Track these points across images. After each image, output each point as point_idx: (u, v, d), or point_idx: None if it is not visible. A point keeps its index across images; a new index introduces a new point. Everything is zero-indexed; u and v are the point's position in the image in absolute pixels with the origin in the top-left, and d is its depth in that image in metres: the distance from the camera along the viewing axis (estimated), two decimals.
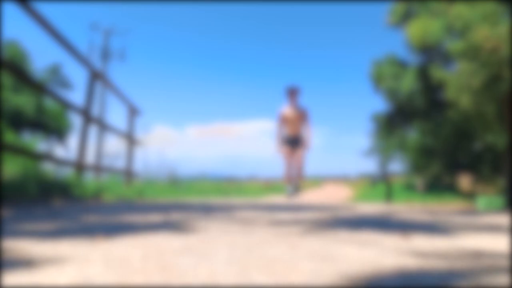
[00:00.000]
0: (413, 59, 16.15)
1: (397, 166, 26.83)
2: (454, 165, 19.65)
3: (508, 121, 11.22)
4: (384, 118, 17.41)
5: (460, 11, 10.40)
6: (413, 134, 19.37)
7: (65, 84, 21.37)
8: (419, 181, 22.36)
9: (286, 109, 5.94)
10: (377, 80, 16.11)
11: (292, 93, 5.98)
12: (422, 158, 20.00)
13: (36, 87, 3.97)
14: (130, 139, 6.61)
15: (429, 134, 17.44)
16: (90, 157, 11.71)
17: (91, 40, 26.31)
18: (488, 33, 9.34)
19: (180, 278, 0.73)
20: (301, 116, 5.98)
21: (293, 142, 5.87)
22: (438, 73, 12.19)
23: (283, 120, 5.94)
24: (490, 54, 9.44)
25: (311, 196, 14.75)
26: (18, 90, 16.46)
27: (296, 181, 5.83)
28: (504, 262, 0.95)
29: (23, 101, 16.63)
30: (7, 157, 3.61)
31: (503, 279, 0.77)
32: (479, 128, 13.27)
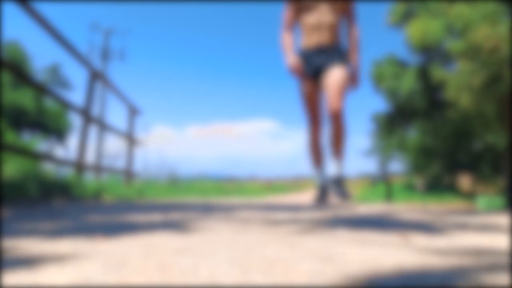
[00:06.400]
0: (413, 59, 16.18)
1: (397, 166, 26.83)
2: (454, 165, 19.65)
3: (508, 121, 11.23)
4: (384, 118, 17.43)
5: (460, 11, 10.41)
6: (413, 134, 19.40)
7: (65, 84, 21.37)
8: (419, 181, 22.36)
9: None
10: (377, 80, 16.13)
11: None
12: (422, 158, 20.01)
13: (37, 87, 3.97)
14: (130, 139, 6.61)
15: (429, 134, 17.47)
16: (90, 157, 11.71)
17: (91, 40, 26.39)
18: (488, 33, 9.35)
19: (180, 278, 0.73)
20: (339, 4, 2.98)
21: (320, 63, 2.94)
22: (438, 73, 12.19)
23: (300, 9, 3.03)
24: (490, 54, 9.45)
25: (310, 196, 14.76)
26: (17, 89, 16.45)
27: (334, 154, 2.81)
28: (504, 260, 0.95)
29: (22, 96, 16.63)
30: (7, 157, 3.60)
31: (504, 278, 0.77)
32: (479, 128, 13.27)
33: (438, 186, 20.70)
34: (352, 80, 3.03)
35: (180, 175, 10.01)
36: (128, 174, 6.43)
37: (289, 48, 3.08)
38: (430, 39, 12.19)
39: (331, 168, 2.84)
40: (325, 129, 3.06)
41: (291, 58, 3.00)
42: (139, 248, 1.04)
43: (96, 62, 22.88)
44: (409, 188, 23.28)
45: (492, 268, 0.87)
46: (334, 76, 2.84)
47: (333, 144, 2.83)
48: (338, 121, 2.79)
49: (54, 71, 21.13)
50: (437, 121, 15.96)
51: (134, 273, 0.76)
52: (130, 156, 6.59)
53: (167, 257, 0.92)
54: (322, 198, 3.07)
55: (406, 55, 16.34)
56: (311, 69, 3.00)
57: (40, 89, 3.98)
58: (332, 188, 2.76)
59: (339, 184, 2.74)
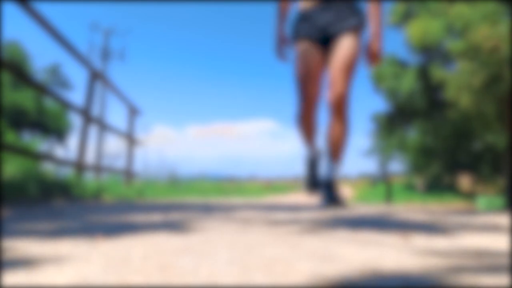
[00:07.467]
0: (413, 59, 16.19)
1: (397, 166, 26.81)
2: (454, 165, 19.65)
3: (508, 121, 11.23)
4: (384, 118, 17.43)
5: (460, 11, 10.41)
6: (413, 134, 19.39)
7: (65, 84, 21.38)
8: (419, 181, 22.36)
9: None
10: (377, 80, 16.13)
11: None
12: (422, 158, 20.00)
13: (37, 87, 3.97)
14: (130, 139, 6.60)
15: (429, 134, 17.47)
16: (90, 157, 11.71)
17: (91, 40, 26.42)
18: (488, 33, 9.35)
19: (180, 278, 0.73)
20: None
21: (327, 22, 2.24)
22: (438, 73, 12.20)
23: None
24: (490, 54, 9.45)
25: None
26: (17, 89, 16.46)
27: (331, 155, 2.28)
28: (504, 261, 0.95)
29: (22, 96, 16.64)
30: (7, 157, 3.60)
31: (504, 279, 0.77)
32: (479, 128, 13.27)
33: (438, 186, 20.70)
34: (371, 53, 2.31)
35: (180, 175, 10.02)
36: (128, 174, 6.43)
37: (282, 16, 2.45)
38: (430, 39, 12.19)
39: (324, 170, 2.31)
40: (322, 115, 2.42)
41: (278, 32, 2.42)
42: (139, 248, 1.04)
43: (96, 62, 22.89)
44: (409, 188, 23.28)
45: (492, 269, 0.87)
46: (343, 50, 2.21)
47: (331, 142, 2.25)
48: (340, 110, 2.21)
49: (54, 71, 21.14)
50: (437, 121, 15.96)
51: (134, 273, 0.76)
52: (130, 156, 6.59)
53: (167, 257, 0.92)
54: (312, 186, 2.47)
55: (406, 55, 16.39)
56: (316, 29, 2.28)
57: (40, 89, 3.97)
58: (322, 192, 2.29)
59: (330, 188, 2.25)
